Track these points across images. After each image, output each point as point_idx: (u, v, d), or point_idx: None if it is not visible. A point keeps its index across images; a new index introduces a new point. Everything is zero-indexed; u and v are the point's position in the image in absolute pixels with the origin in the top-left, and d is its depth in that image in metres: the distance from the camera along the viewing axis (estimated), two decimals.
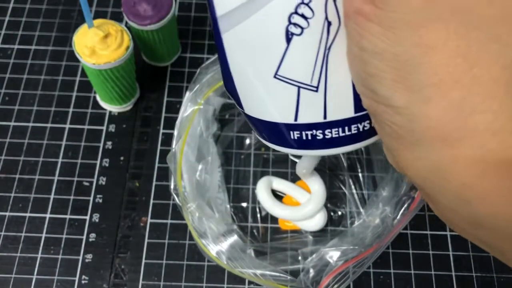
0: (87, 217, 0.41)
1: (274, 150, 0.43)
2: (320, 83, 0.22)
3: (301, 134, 0.24)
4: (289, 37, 0.21)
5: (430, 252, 0.40)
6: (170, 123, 0.44)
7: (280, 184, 0.41)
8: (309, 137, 0.24)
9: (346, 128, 0.24)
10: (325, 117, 0.23)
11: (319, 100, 0.23)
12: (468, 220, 0.18)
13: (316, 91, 0.22)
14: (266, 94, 0.23)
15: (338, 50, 0.21)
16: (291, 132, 0.24)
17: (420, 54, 0.16)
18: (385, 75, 0.17)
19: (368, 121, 0.24)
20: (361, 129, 0.24)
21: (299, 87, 0.22)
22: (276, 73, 0.22)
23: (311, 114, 0.23)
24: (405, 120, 0.17)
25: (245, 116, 0.26)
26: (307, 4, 0.20)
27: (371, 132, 0.24)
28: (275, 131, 0.24)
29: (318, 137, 0.24)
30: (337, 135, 0.24)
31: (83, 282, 0.38)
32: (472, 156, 0.16)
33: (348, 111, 0.23)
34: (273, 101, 0.23)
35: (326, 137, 0.24)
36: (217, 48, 0.23)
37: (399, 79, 0.16)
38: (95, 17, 0.40)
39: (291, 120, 0.23)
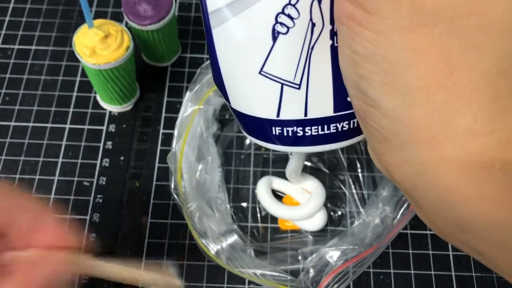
0: (87, 217, 0.41)
1: (274, 150, 0.43)
2: (302, 81, 0.23)
3: (282, 130, 0.25)
4: (275, 35, 0.22)
5: (430, 252, 0.40)
6: (170, 123, 0.44)
7: (280, 184, 0.41)
8: (290, 134, 0.25)
9: (326, 127, 0.25)
10: (305, 114, 0.24)
11: (300, 97, 0.24)
12: (453, 225, 0.18)
13: (299, 88, 0.23)
14: (251, 89, 0.24)
15: (320, 50, 0.22)
16: (273, 128, 0.25)
17: (409, 57, 0.16)
18: (375, 78, 0.17)
19: (346, 122, 0.25)
20: (339, 129, 0.25)
21: (282, 84, 0.23)
22: (261, 70, 0.23)
23: (292, 110, 0.24)
24: (392, 123, 0.18)
25: (231, 110, 0.27)
26: (293, 5, 0.21)
27: (349, 133, 0.25)
28: (259, 126, 0.25)
29: (298, 134, 0.25)
30: (316, 133, 0.25)
31: (83, 281, 0.38)
32: (454, 159, 0.16)
33: (328, 110, 0.24)
34: (257, 96, 0.24)
35: (306, 134, 0.25)
36: (207, 43, 0.24)
37: (388, 81, 0.17)
38: (95, 17, 0.40)
39: (273, 116, 0.24)
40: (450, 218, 0.18)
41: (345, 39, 0.18)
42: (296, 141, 0.25)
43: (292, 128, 0.25)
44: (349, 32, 0.18)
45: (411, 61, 0.16)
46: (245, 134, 0.27)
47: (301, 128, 0.25)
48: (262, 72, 0.23)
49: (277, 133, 0.25)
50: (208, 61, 0.40)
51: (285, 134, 0.25)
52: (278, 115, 0.24)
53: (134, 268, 0.26)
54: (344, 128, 0.25)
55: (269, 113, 0.24)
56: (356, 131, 0.25)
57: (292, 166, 0.35)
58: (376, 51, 0.17)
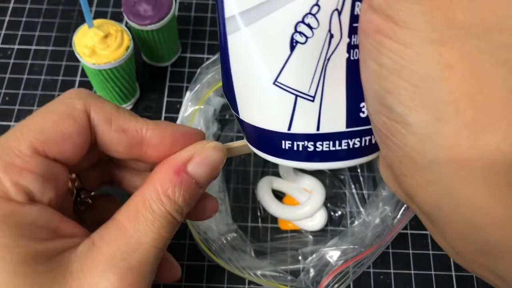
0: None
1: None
2: (316, 93, 0.22)
3: (292, 144, 0.24)
4: (293, 45, 0.21)
5: (430, 252, 0.40)
6: None
7: (280, 184, 0.41)
8: (300, 148, 0.24)
9: (337, 143, 0.24)
10: (318, 128, 0.23)
11: (314, 110, 0.23)
12: (476, 248, 0.17)
13: (313, 101, 0.23)
14: (263, 100, 0.23)
15: (336, 63, 0.22)
16: (283, 142, 0.24)
17: (440, 71, 0.16)
18: (402, 92, 0.17)
19: (358, 139, 0.24)
20: (351, 146, 0.24)
21: (296, 95, 0.22)
22: (275, 80, 0.22)
23: (305, 124, 0.23)
24: (419, 140, 0.17)
25: (238, 121, 0.26)
26: (314, 15, 0.21)
27: (361, 151, 0.24)
28: (268, 140, 0.25)
29: (309, 149, 0.24)
30: (327, 149, 0.24)
31: None
32: (483, 179, 0.16)
33: (340, 125, 0.23)
34: (269, 108, 0.23)
35: (317, 149, 0.24)
36: (221, 48, 0.24)
37: (417, 96, 0.17)
38: (95, 17, 0.40)
39: (284, 129, 0.24)
40: (475, 241, 0.17)
41: (370, 52, 0.18)
42: (306, 156, 0.24)
43: (303, 143, 0.24)
44: (376, 45, 0.18)
45: (442, 75, 0.16)
46: (251, 148, 0.26)
47: (312, 143, 0.24)
48: (276, 83, 0.22)
49: (287, 147, 0.24)
50: (208, 61, 0.40)
51: (295, 148, 0.24)
52: (289, 129, 0.23)
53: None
54: (355, 146, 0.24)
55: (280, 126, 0.24)
56: (367, 149, 0.24)
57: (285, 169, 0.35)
58: (405, 64, 0.17)
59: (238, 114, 0.25)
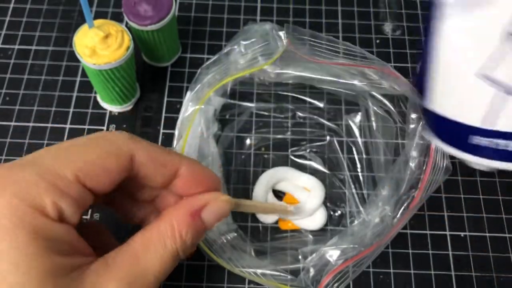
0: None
1: (274, 150, 0.43)
2: None
3: (483, 139, 0.22)
4: (508, 37, 0.20)
5: (430, 252, 0.40)
6: (171, 123, 0.44)
7: (280, 183, 0.41)
8: (490, 145, 0.22)
9: None
10: None
11: None
12: None
13: None
14: (462, 90, 0.22)
15: None
16: (473, 136, 0.23)
17: None
18: None
19: None
20: None
21: (499, 89, 0.21)
22: (480, 71, 0.21)
23: (503, 121, 0.21)
24: None
25: (424, 111, 0.24)
26: None
27: None
28: (455, 132, 0.23)
29: (500, 147, 0.22)
30: None
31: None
32: None
33: None
34: (466, 99, 0.22)
35: (509, 149, 0.22)
36: (427, 33, 0.22)
37: None
38: (95, 17, 0.40)
39: (477, 123, 0.22)
40: None
41: None
42: (494, 155, 0.22)
43: (495, 140, 0.22)
44: None
45: None
46: (430, 137, 0.24)
47: (506, 142, 0.22)
48: (480, 74, 0.21)
49: (475, 142, 0.23)
50: (209, 61, 0.40)
51: (484, 144, 0.22)
52: (483, 123, 0.22)
53: (266, 203, 0.35)
54: None
55: (473, 119, 0.22)
56: None
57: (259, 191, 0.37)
58: None
59: (429, 103, 0.24)
